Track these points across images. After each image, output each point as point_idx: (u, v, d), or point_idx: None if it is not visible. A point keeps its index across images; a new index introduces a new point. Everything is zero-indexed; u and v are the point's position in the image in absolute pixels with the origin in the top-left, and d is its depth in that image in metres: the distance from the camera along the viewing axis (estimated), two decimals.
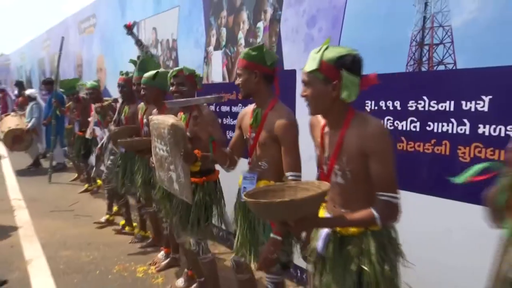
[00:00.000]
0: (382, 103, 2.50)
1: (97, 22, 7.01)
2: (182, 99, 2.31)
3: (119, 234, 4.42)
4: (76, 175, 7.05)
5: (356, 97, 1.51)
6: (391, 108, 2.46)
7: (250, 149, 2.24)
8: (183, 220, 2.70)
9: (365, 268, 1.51)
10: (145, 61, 3.43)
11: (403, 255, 1.64)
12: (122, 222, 4.54)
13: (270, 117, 2.04)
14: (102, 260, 3.72)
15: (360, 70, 1.51)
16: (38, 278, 3.34)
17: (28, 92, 8.70)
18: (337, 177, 1.61)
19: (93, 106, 4.79)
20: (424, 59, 2.29)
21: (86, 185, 6.36)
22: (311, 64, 1.51)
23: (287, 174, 1.97)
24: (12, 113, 8.92)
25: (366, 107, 2.57)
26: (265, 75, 2.07)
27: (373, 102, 2.55)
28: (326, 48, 1.51)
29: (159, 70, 3.16)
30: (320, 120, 1.70)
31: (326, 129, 1.65)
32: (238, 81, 2.12)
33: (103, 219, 4.75)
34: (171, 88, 2.71)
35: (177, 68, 2.76)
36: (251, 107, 2.28)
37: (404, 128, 2.39)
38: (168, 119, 2.44)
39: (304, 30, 2.97)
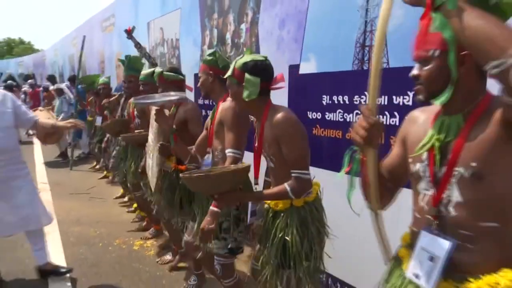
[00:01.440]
0: (334, 98, 2.82)
1: (115, 21, 7.56)
2: (148, 101, 2.64)
3: (130, 213, 4.96)
4: (95, 163, 7.67)
5: (255, 96, 1.86)
6: (341, 102, 2.77)
7: (208, 140, 2.50)
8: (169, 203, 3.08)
9: (287, 239, 1.82)
10: (132, 61, 3.85)
11: (326, 229, 1.96)
12: (135, 205, 5.03)
13: (220, 108, 2.34)
14: (106, 235, 4.23)
15: (263, 73, 1.87)
16: (51, 247, 3.87)
17: (56, 86, 9.00)
18: (268, 161, 1.95)
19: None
20: (365, 58, 2.59)
21: (105, 172, 6.95)
22: (229, 71, 1.92)
23: (227, 150, 2.18)
24: (40, 108, 9.58)
25: (322, 102, 2.90)
26: (218, 76, 2.42)
27: (328, 97, 2.87)
28: (242, 57, 1.89)
29: (155, 69, 3.55)
30: None
31: (255, 122, 2.02)
32: (199, 82, 2.49)
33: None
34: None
35: (158, 70, 3.12)
36: None
37: (352, 120, 2.71)
38: None
39: (276, 32, 3.31)
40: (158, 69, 3.13)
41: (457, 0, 0.92)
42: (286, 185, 1.81)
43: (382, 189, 1.31)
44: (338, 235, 2.11)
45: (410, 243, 1.26)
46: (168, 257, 3.60)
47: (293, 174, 1.81)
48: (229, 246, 2.34)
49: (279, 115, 1.81)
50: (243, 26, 3.76)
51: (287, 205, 1.88)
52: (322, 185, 2.10)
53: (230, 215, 2.33)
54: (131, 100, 3.94)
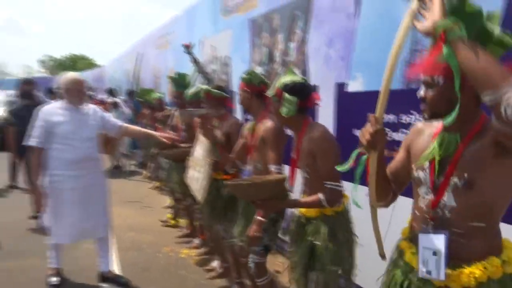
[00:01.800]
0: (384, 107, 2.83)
1: (170, 39, 7.98)
2: (189, 110, 2.91)
3: (166, 226, 5.12)
4: (146, 173, 8.05)
5: (294, 113, 2.04)
6: (388, 121, 2.78)
7: (249, 152, 2.69)
8: (213, 212, 3.25)
9: (316, 243, 1.99)
10: (181, 78, 4.13)
11: (354, 237, 2.10)
12: (169, 215, 5.25)
13: (260, 126, 2.52)
14: (156, 242, 4.44)
15: (300, 93, 2.04)
16: None
17: (111, 100, 9.46)
18: (303, 172, 2.12)
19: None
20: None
21: (156, 183, 7.27)
22: (271, 90, 2.13)
23: (271, 166, 2.37)
24: None
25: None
26: (255, 93, 2.58)
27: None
28: (284, 77, 2.09)
29: (200, 87, 3.72)
30: None
31: (294, 136, 2.18)
32: (239, 99, 2.69)
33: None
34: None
35: (205, 87, 3.30)
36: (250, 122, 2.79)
37: (398, 139, 2.71)
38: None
39: (324, 50, 3.39)
40: (204, 86, 3.30)
41: (465, 37, 1.08)
42: (320, 195, 1.98)
43: (385, 188, 1.51)
44: (366, 245, 2.17)
45: (409, 236, 1.46)
46: (214, 265, 3.72)
47: (327, 185, 1.98)
48: (264, 244, 2.53)
49: (316, 132, 2.01)
50: (291, 45, 3.87)
51: (318, 213, 2.04)
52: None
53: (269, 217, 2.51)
54: (176, 113, 4.21)
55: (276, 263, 3.72)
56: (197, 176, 3.15)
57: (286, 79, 2.08)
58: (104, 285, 3.40)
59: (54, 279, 3.35)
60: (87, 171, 3.21)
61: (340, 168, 1.46)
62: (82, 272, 3.59)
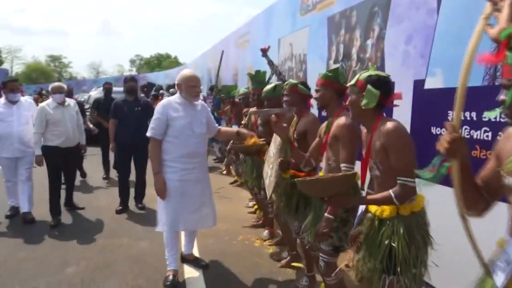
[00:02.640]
0: (461, 114, 2.75)
1: (250, 38, 8.27)
2: (264, 109, 2.98)
3: (251, 213, 5.44)
4: (224, 167, 8.43)
5: (372, 106, 2.01)
6: (468, 118, 2.70)
7: (322, 150, 2.70)
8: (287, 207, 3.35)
9: (394, 245, 1.92)
10: (259, 76, 4.27)
11: (430, 238, 2.01)
12: (255, 206, 5.50)
13: (335, 124, 2.52)
14: (232, 231, 4.71)
15: (383, 88, 2.02)
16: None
17: None
18: (373, 170, 2.09)
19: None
20: (498, 74, 2.49)
21: (236, 177, 7.59)
22: (352, 81, 2.11)
23: (341, 165, 2.39)
24: None
25: (448, 117, 2.85)
26: (337, 91, 2.61)
27: (453, 112, 2.81)
28: (367, 71, 2.09)
29: (276, 83, 3.86)
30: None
31: (365, 131, 2.17)
32: (316, 95, 2.69)
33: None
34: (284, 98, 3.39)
35: (285, 83, 3.43)
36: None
37: (479, 137, 2.62)
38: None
39: (402, 47, 3.35)
40: (292, 81, 3.36)
41: None
42: (391, 191, 1.92)
43: (473, 197, 1.43)
44: (444, 245, 2.12)
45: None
46: (284, 255, 3.88)
47: (399, 181, 1.91)
48: (335, 245, 2.53)
49: (389, 125, 1.94)
50: (369, 42, 3.87)
51: (394, 213, 1.97)
52: (434, 198, 2.14)
53: (338, 216, 2.51)
54: (251, 110, 4.35)
55: (347, 258, 3.75)
56: (269, 173, 3.29)
57: (371, 72, 2.07)
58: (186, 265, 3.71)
59: (170, 280, 3.32)
60: (197, 164, 3.36)
61: (420, 174, 1.44)
62: (133, 257, 3.96)
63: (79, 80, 46.09)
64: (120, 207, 5.45)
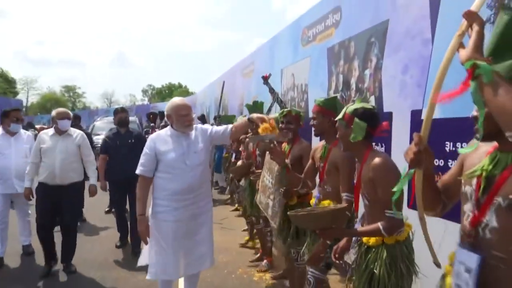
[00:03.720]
0: (458, 144, 2.70)
1: (254, 68, 8.38)
2: (259, 136, 2.97)
3: (243, 247, 5.30)
4: (229, 196, 8.38)
5: (361, 138, 2.06)
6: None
7: (320, 175, 2.81)
8: (284, 234, 3.33)
9: (375, 272, 1.97)
10: (257, 106, 4.32)
11: (415, 267, 2.04)
12: (247, 238, 5.40)
13: (333, 152, 2.62)
14: (232, 263, 4.61)
15: (370, 120, 2.08)
16: None
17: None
18: (363, 199, 2.14)
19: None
20: None
21: (236, 205, 7.54)
22: (340, 115, 2.16)
23: (342, 194, 2.46)
24: None
25: (445, 148, 2.80)
26: (334, 120, 2.60)
27: (451, 143, 2.77)
28: (353, 104, 2.14)
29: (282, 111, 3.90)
30: None
31: (357, 162, 2.21)
32: (313, 122, 2.75)
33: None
34: (280, 125, 3.42)
35: (286, 109, 3.47)
36: (321, 143, 2.89)
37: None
38: None
39: (399, 77, 3.34)
40: (296, 109, 3.43)
41: (492, 75, 1.07)
42: (380, 224, 1.97)
43: (434, 199, 1.53)
44: (431, 275, 2.07)
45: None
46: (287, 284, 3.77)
47: (386, 214, 1.96)
48: (326, 261, 2.58)
49: (377, 159, 1.99)
50: (367, 72, 3.87)
51: (379, 242, 2.02)
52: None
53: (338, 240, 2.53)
54: (248, 136, 4.38)
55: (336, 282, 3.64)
56: (270, 203, 3.24)
57: (357, 105, 2.14)
58: None
59: None
60: (193, 200, 2.96)
61: (395, 189, 1.48)
62: None
63: (92, 110, 47.03)
64: (119, 243, 5.20)
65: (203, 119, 12.81)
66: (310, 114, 5.17)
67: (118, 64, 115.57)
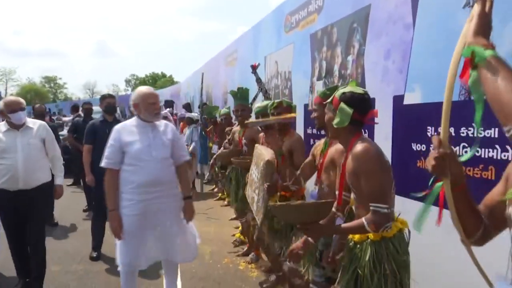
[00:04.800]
0: (439, 129, 2.71)
1: (237, 56, 8.30)
2: (260, 119, 2.94)
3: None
4: (214, 186, 8.35)
5: (345, 125, 1.92)
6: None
7: (317, 173, 2.64)
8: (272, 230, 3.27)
9: (359, 272, 1.83)
10: (243, 92, 4.26)
11: (405, 269, 1.87)
12: (238, 234, 5.39)
13: (334, 149, 2.44)
14: (217, 253, 4.61)
15: (358, 106, 1.92)
16: None
17: (188, 115, 9.19)
18: (352, 192, 2.00)
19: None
20: None
21: (220, 194, 7.53)
22: (328, 98, 2.04)
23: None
24: None
25: (427, 133, 2.81)
26: None
27: (433, 128, 2.78)
28: (345, 87, 2.00)
29: (269, 102, 3.83)
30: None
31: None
32: (314, 114, 2.61)
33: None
34: (270, 116, 3.37)
35: (277, 100, 3.45)
36: (323, 139, 2.75)
37: (459, 153, 2.57)
38: (266, 155, 3.04)
39: (381, 63, 3.33)
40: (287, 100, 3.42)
41: (487, 61, 0.95)
42: (364, 219, 1.82)
43: (471, 222, 1.25)
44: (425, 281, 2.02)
45: None
46: (272, 279, 3.77)
47: (371, 207, 1.81)
48: (327, 276, 2.39)
49: (359, 147, 1.84)
50: (349, 58, 3.85)
51: (364, 237, 1.88)
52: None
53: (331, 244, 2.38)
54: (235, 128, 4.34)
55: None
56: (255, 198, 3.20)
57: (346, 89, 1.97)
58: None
59: None
60: (160, 193, 2.89)
61: (417, 195, 1.30)
62: None
63: (74, 101, 46.19)
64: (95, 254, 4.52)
65: (188, 108, 12.62)
66: (294, 102, 5.16)
67: (100, 54, 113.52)
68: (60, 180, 3.71)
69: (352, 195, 2.01)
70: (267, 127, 3.34)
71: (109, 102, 4.70)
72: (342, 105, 1.91)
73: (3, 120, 3.52)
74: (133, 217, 2.85)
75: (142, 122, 2.94)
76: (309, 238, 2.20)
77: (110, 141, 2.90)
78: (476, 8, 1.06)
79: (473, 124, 2.46)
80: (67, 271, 4.12)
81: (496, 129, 2.30)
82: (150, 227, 2.93)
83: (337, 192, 2.23)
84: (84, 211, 6.50)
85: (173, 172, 3.02)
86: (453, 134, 2.60)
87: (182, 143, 3.13)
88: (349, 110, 1.90)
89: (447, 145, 1.17)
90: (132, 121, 3.00)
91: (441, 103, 2.72)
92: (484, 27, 1.04)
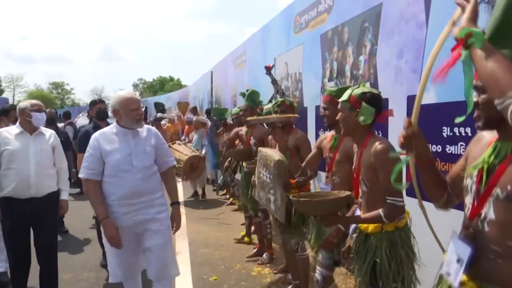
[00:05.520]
0: (455, 129, 2.71)
1: (246, 58, 8.34)
2: (261, 117, 3.08)
3: (239, 243, 5.29)
4: (225, 190, 8.37)
5: (369, 122, 2.12)
6: (463, 134, 2.65)
7: (328, 166, 2.84)
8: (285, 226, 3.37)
9: (377, 260, 2.01)
10: (253, 94, 4.36)
11: (414, 254, 2.09)
12: (242, 233, 5.42)
13: (345, 141, 2.67)
14: (229, 259, 4.63)
15: (377, 105, 2.13)
16: (180, 265, 4.40)
17: (196, 118, 9.03)
18: (362, 185, 2.16)
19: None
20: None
21: (231, 199, 7.56)
22: (344, 96, 2.19)
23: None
24: (178, 142, 8.98)
25: (443, 133, 2.81)
26: None
27: (448, 128, 2.77)
28: (358, 87, 2.18)
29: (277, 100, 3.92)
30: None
31: (356, 147, 2.25)
32: (324, 113, 2.79)
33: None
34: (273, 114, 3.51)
35: (280, 99, 3.60)
36: (329, 133, 2.89)
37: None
38: (275, 155, 3.16)
39: (394, 62, 3.33)
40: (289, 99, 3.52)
41: (484, 41, 1.08)
42: (381, 211, 2.02)
43: (436, 190, 1.56)
44: (431, 262, 2.13)
45: None
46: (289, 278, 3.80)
47: (388, 201, 2.00)
48: (334, 259, 2.66)
49: (379, 145, 2.03)
50: (361, 58, 3.86)
51: (378, 229, 2.06)
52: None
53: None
54: (251, 121, 4.43)
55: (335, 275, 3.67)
56: (272, 198, 3.25)
57: (364, 89, 2.17)
58: None
59: None
60: (144, 205, 2.78)
61: (391, 177, 1.56)
62: None
63: (81, 107, 46.76)
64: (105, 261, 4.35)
65: (194, 112, 12.70)
66: (305, 104, 5.18)
67: (106, 59, 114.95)
68: (65, 194, 3.63)
69: (364, 188, 2.17)
70: (268, 125, 3.52)
71: (100, 108, 4.59)
72: (365, 104, 2.11)
73: (13, 124, 3.48)
74: (119, 230, 2.73)
75: (122, 129, 2.79)
76: (340, 226, 2.45)
77: (90, 149, 2.75)
78: (469, 4, 1.21)
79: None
80: (78, 279, 4.17)
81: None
82: (137, 238, 2.83)
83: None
84: (95, 217, 6.49)
85: (157, 179, 2.90)
86: (469, 134, 2.60)
87: (167, 148, 3.01)
88: (372, 109, 2.11)
89: (416, 126, 1.42)
90: (112, 128, 2.84)
91: (456, 103, 2.74)
92: (475, 18, 1.19)
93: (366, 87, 2.21)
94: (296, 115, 3.49)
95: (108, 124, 4.13)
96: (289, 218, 3.30)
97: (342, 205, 2.17)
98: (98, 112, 4.53)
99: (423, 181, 1.53)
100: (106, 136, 2.78)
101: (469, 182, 1.35)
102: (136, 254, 2.91)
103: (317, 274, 2.67)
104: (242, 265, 4.43)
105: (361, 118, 2.11)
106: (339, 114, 2.23)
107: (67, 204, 3.67)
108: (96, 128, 4.23)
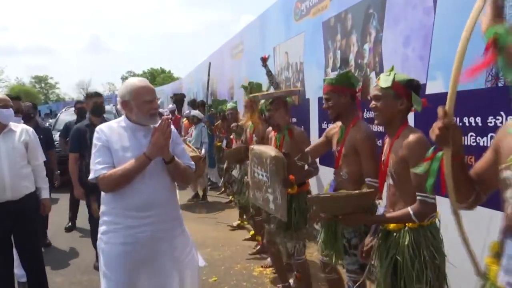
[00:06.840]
0: (465, 119, 2.77)
1: (243, 48, 8.37)
2: (266, 92, 3.11)
3: (247, 240, 5.40)
4: (223, 189, 8.42)
5: (420, 110, 2.11)
6: (473, 124, 2.71)
7: (335, 160, 2.76)
8: (283, 227, 3.35)
9: (398, 259, 1.98)
10: (255, 87, 4.39)
11: (441, 255, 2.03)
12: (252, 232, 5.48)
13: (351, 132, 2.58)
14: (229, 259, 4.70)
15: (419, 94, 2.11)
16: None
17: (193, 113, 8.33)
18: (388, 178, 2.14)
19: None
20: (500, 74, 2.51)
21: (231, 197, 7.61)
22: (385, 82, 2.10)
23: (366, 179, 2.45)
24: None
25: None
26: (352, 96, 2.65)
27: (458, 118, 2.83)
28: (397, 73, 2.13)
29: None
30: None
31: (386, 138, 2.24)
32: (327, 104, 2.67)
33: (235, 223, 5.84)
34: (266, 112, 3.56)
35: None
36: (338, 124, 2.84)
37: (485, 144, 2.62)
38: (270, 151, 3.19)
39: (400, 50, 3.39)
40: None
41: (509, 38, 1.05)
42: (410, 209, 1.98)
43: (465, 188, 1.47)
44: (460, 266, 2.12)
45: (498, 251, 1.36)
46: (290, 281, 3.86)
47: (418, 197, 1.96)
48: (359, 262, 2.55)
49: (412, 136, 2.00)
50: (366, 46, 3.91)
51: (400, 225, 2.03)
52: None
53: (359, 232, 2.56)
54: (248, 123, 4.49)
55: None
56: (270, 197, 3.27)
57: (407, 77, 2.12)
58: None
59: None
60: (153, 219, 2.34)
61: (415, 170, 1.52)
62: None
63: (67, 102, 46.65)
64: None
65: (193, 105, 12.64)
66: (307, 95, 5.23)
67: (93, 50, 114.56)
68: (45, 193, 3.54)
69: (390, 181, 2.13)
70: (272, 107, 3.48)
71: (96, 102, 4.39)
72: (414, 94, 2.07)
73: None
74: (118, 247, 2.30)
75: (132, 125, 2.40)
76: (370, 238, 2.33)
77: (97, 142, 2.35)
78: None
79: (501, 113, 2.51)
80: (71, 282, 4.23)
81: None
82: (140, 260, 2.34)
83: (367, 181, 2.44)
84: (66, 230, 6.16)
85: (173, 188, 2.50)
86: (479, 124, 2.66)
87: (182, 149, 2.59)
88: (420, 98, 2.08)
89: (451, 116, 1.33)
90: (120, 122, 2.45)
91: (465, 91, 2.78)
92: (500, 9, 1.18)
93: (400, 74, 2.14)
94: (299, 88, 3.53)
95: (104, 120, 4.09)
96: (289, 219, 3.26)
97: (367, 202, 2.12)
98: (94, 107, 4.36)
99: (455, 179, 1.41)
100: (113, 131, 2.40)
101: (509, 174, 1.27)
102: (131, 284, 2.35)
103: (348, 280, 2.61)
104: (243, 265, 4.50)
105: (417, 107, 2.05)
106: (380, 102, 2.10)
107: (49, 203, 3.60)
108: (90, 125, 4.18)
